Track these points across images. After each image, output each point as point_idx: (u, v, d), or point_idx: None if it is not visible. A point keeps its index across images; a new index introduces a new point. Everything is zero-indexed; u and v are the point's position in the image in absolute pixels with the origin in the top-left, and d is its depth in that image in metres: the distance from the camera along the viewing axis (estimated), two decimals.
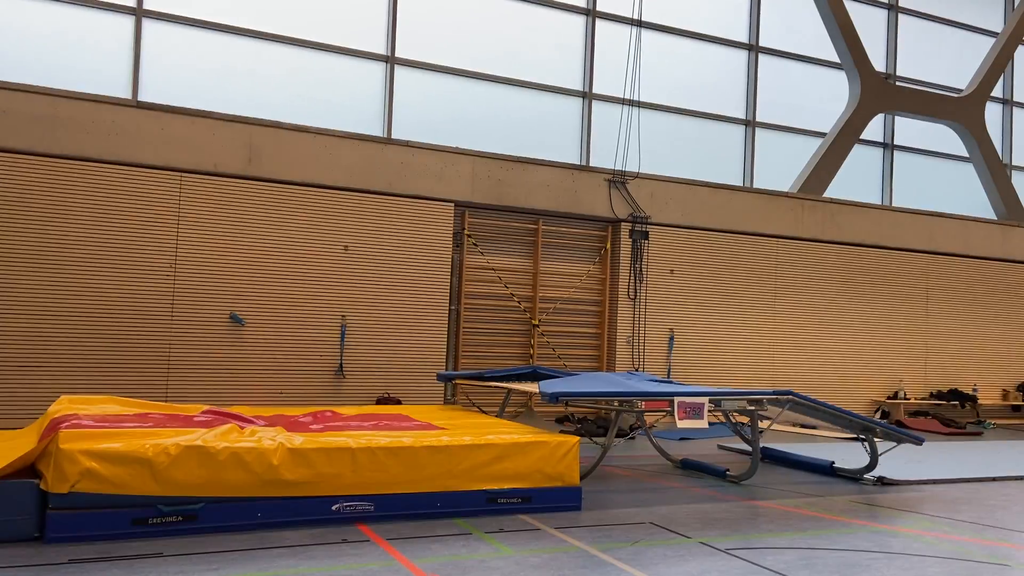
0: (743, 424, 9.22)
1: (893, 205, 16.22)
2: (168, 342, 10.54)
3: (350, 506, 6.03)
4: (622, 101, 13.41)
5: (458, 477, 6.38)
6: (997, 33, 17.35)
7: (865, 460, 8.72)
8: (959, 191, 17.19)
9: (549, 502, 6.64)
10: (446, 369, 12.10)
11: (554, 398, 7.23)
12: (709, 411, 7.62)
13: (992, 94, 17.17)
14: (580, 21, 13.85)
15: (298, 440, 6.05)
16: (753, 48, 15.21)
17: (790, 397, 8.09)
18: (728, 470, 8.55)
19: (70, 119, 10.14)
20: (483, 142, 12.73)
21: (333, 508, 5.98)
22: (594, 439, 9.74)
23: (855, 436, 8.95)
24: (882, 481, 8.49)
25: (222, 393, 10.57)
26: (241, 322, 10.87)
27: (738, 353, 14.12)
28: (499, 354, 12.59)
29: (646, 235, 13.42)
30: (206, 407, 7.59)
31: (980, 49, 17.22)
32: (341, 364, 11.38)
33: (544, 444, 6.75)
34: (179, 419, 6.78)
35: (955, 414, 15.48)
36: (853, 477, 8.71)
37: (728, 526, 6.37)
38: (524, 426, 7.69)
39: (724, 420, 8.98)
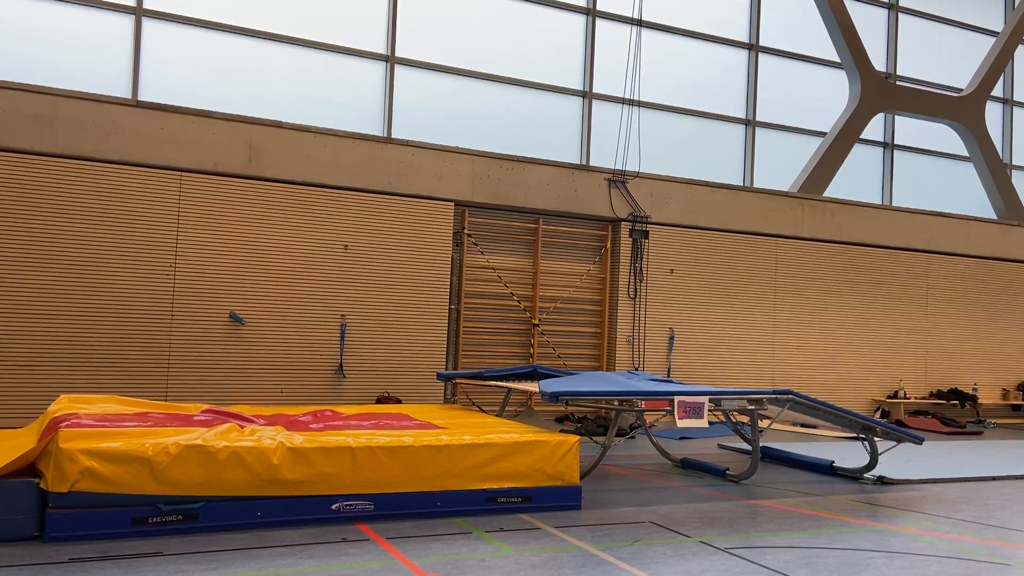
0: (743, 423, 9.22)
1: (893, 205, 16.22)
2: (168, 341, 10.54)
3: (350, 505, 6.03)
4: (622, 101, 13.41)
5: (458, 476, 6.38)
6: (997, 33, 17.35)
7: (865, 459, 8.72)
8: (959, 191, 17.19)
9: (549, 501, 6.64)
10: (446, 368, 12.10)
11: (554, 397, 7.23)
12: (709, 410, 7.63)
13: (992, 94, 17.17)
14: (580, 21, 13.85)
15: (298, 439, 6.05)
16: (753, 48, 15.21)
17: (790, 396, 8.09)
18: (728, 469, 8.55)
19: (70, 118, 10.14)
20: (483, 142, 12.73)
21: (333, 507, 5.98)
22: (594, 438, 9.75)
23: (855, 435, 8.95)
24: (882, 480, 8.49)
25: (222, 392, 10.57)
26: (241, 321, 10.87)
27: (738, 352, 14.12)
28: (499, 353, 12.59)
29: (646, 234, 13.42)
30: (206, 406, 7.58)
31: (980, 49, 17.22)
32: (341, 363, 11.38)
33: (544, 443, 6.75)
34: (179, 418, 6.78)
35: (955, 413, 15.48)
36: (853, 476, 8.71)
37: (728, 525, 6.36)
38: (524, 425, 7.69)
39: (724, 419, 8.98)
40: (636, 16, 13.61)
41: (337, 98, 12.16)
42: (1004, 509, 7.40)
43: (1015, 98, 17.98)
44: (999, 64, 16.97)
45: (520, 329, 12.92)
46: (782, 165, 15.36)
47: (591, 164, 13.45)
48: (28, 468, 5.52)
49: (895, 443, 8.84)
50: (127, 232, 10.42)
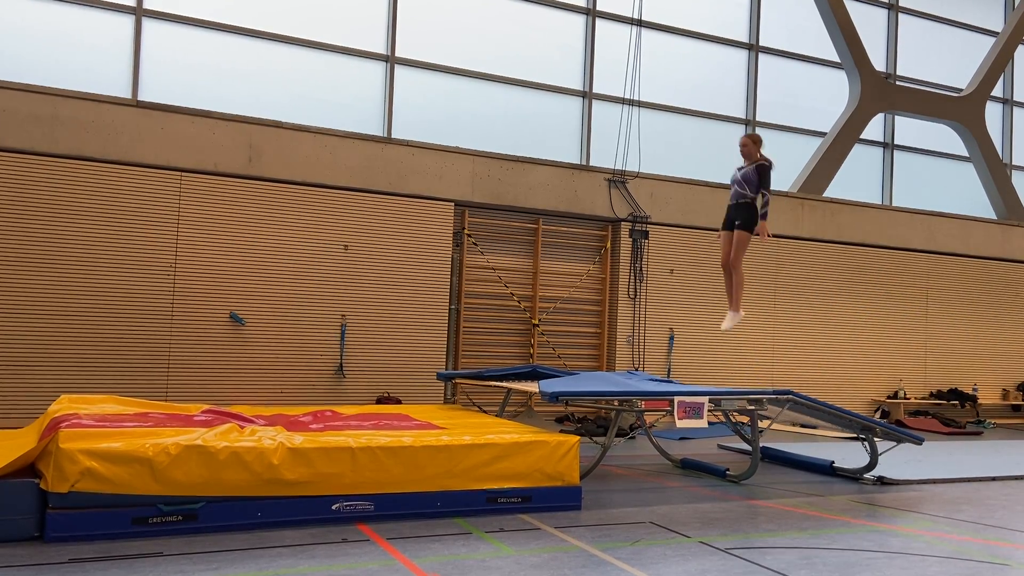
0: (743, 424, 9.22)
1: (893, 205, 16.22)
2: (168, 342, 10.54)
3: (350, 506, 6.03)
4: (622, 101, 13.40)
5: (458, 477, 6.38)
6: (997, 33, 17.35)
7: (865, 460, 8.72)
8: (959, 191, 17.18)
9: (549, 502, 6.64)
10: (446, 368, 12.10)
11: (554, 397, 7.23)
12: (709, 411, 7.63)
13: (992, 94, 17.17)
14: (580, 21, 13.84)
15: (298, 439, 6.05)
16: (753, 48, 15.21)
17: (790, 397, 8.09)
18: (728, 470, 8.56)
19: (70, 119, 10.14)
20: (483, 142, 12.73)
21: (333, 508, 5.98)
22: (594, 439, 9.74)
23: (855, 436, 8.96)
24: (882, 481, 8.50)
25: (222, 393, 10.57)
26: (241, 322, 10.87)
27: (738, 353, 14.11)
28: (499, 353, 12.58)
29: (646, 235, 13.41)
30: (206, 406, 7.58)
31: (980, 49, 17.21)
32: (341, 363, 11.38)
33: (544, 444, 6.75)
34: (179, 418, 6.78)
35: (955, 414, 15.48)
36: (853, 477, 8.71)
37: (728, 526, 6.37)
38: (524, 426, 7.69)
39: (724, 420, 8.98)
40: (636, 16, 13.60)
41: (337, 98, 12.15)
42: (1004, 509, 7.41)
43: (1015, 98, 17.97)
44: (999, 64, 16.97)
45: (520, 329, 12.92)
46: (782, 165, 15.28)
47: (591, 164, 13.44)
48: (28, 468, 5.52)
49: (895, 443, 8.84)
50: (127, 232, 10.42)
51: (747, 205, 8.91)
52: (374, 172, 11.69)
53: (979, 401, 15.81)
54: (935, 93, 16.52)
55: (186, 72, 11.32)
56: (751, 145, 8.99)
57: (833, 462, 8.95)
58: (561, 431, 8.74)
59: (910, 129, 16.73)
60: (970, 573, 5.26)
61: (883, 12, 16.59)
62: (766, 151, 9.12)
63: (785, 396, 8.10)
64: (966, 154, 17.03)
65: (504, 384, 9.49)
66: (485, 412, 9.42)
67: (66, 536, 5.20)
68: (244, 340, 10.93)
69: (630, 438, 11.17)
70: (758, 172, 8.83)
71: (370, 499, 6.09)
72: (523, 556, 5.30)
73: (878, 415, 14.79)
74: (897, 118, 16.57)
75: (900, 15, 16.66)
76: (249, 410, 7.90)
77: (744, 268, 13.38)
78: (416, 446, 6.29)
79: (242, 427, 6.35)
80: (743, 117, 15.12)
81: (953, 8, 17.24)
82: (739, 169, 9.08)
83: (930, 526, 6.61)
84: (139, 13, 11.00)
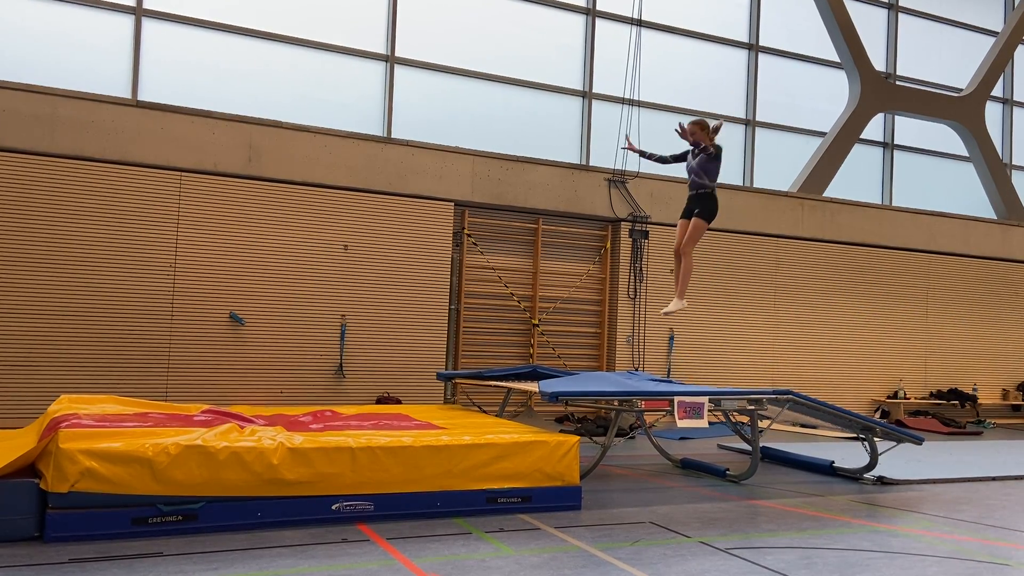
0: (743, 424, 9.23)
1: (893, 205, 16.22)
2: (168, 342, 10.54)
3: (350, 506, 6.03)
4: (622, 101, 13.39)
5: (458, 477, 6.38)
6: (997, 33, 17.35)
7: (865, 460, 8.73)
8: (959, 191, 17.18)
9: (549, 502, 6.64)
10: (446, 368, 12.10)
11: (554, 397, 7.23)
12: (709, 411, 7.63)
13: (992, 94, 17.17)
14: (580, 21, 13.85)
15: (298, 439, 6.05)
16: (753, 48, 15.21)
17: (790, 397, 8.09)
18: (728, 470, 8.56)
19: (70, 118, 10.14)
20: (483, 142, 12.73)
21: (333, 508, 5.98)
22: (594, 438, 9.75)
23: (855, 436, 8.96)
24: (882, 481, 8.50)
25: (222, 393, 10.57)
26: (241, 322, 10.87)
27: (738, 353, 14.11)
28: (499, 353, 12.58)
29: (646, 235, 13.41)
30: (206, 406, 7.58)
31: (980, 49, 17.21)
32: (341, 363, 11.38)
33: (544, 444, 6.75)
34: (179, 419, 6.78)
35: (955, 414, 15.48)
36: (853, 477, 8.72)
37: (728, 526, 6.36)
38: (524, 426, 7.69)
39: (724, 420, 8.98)
40: (636, 16, 13.59)
41: (337, 98, 12.15)
42: (1004, 509, 7.41)
43: (1015, 98, 17.97)
44: (999, 64, 16.97)
45: (520, 329, 12.91)
46: (782, 165, 15.35)
47: (591, 164, 13.44)
48: (28, 468, 5.52)
49: (895, 443, 8.84)
50: (127, 232, 10.42)
51: (707, 195, 8.89)
52: (374, 172, 11.69)
53: (979, 401, 15.81)
54: (935, 93, 16.52)
55: (186, 72, 11.32)
56: (699, 132, 8.67)
57: (833, 462, 8.95)
58: (561, 431, 8.73)
59: (910, 129, 16.73)
60: (970, 573, 5.26)
61: (883, 12, 16.59)
62: (720, 139, 8.91)
63: (785, 396, 8.10)
64: (966, 154, 17.03)
65: (504, 384, 9.49)
66: (485, 412, 9.42)
67: (66, 536, 5.20)
68: (244, 340, 10.93)
69: (630, 438, 11.17)
70: (709, 157, 8.69)
71: (370, 499, 6.09)
72: (523, 556, 5.30)
73: (878, 415, 14.79)
74: (897, 118, 16.57)
75: (900, 15, 16.66)
76: (249, 410, 7.90)
77: (744, 269, 13.40)
78: (416, 446, 6.29)
79: (242, 427, 6.35)
80: (743, 117, 15.12)
81: (953, 8, 17.24)
82: (694, 157, 8.84)
83: (930, 526, 6.61)
84: (139, 13, 10.99)
